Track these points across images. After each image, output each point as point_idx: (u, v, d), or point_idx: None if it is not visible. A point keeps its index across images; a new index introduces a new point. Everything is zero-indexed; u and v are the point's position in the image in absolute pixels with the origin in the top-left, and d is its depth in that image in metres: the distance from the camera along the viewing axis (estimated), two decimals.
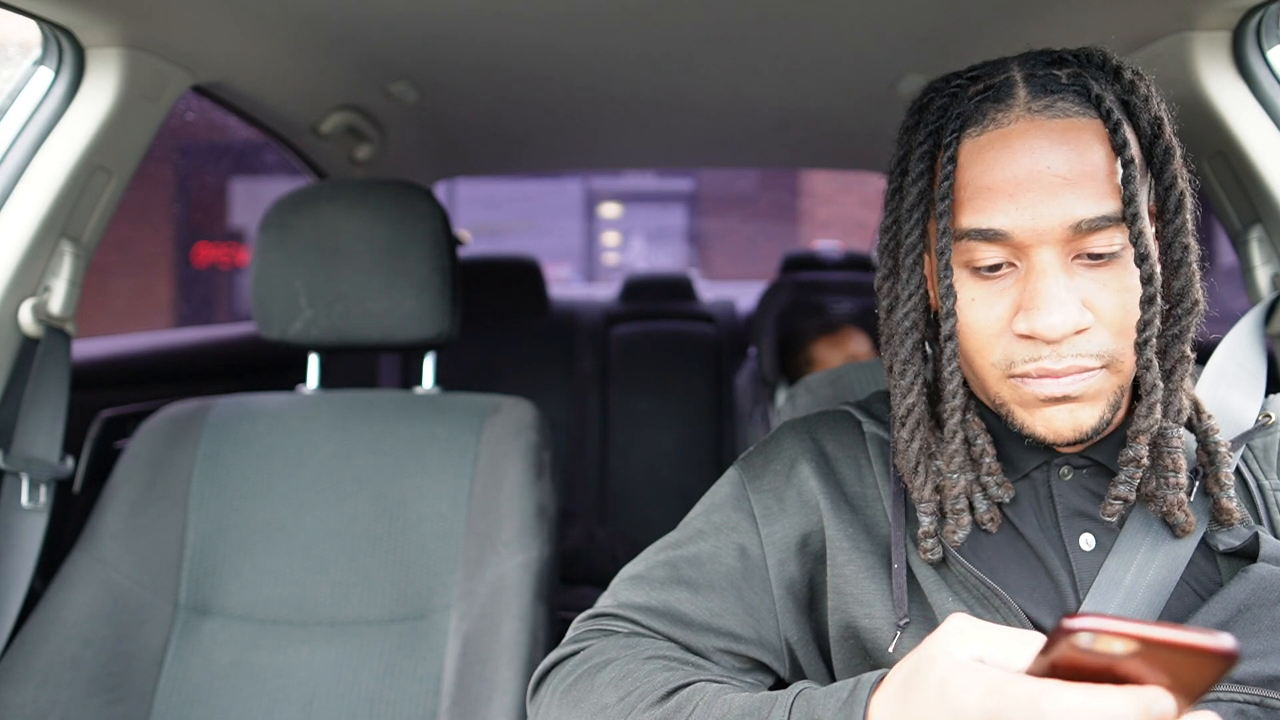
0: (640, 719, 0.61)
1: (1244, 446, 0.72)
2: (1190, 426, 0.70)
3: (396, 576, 1.18)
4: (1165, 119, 0.66)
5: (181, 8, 1.16)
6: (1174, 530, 0.66)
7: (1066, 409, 0.65)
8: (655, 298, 3.22)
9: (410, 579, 1.17)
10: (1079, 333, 0.63)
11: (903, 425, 0.71)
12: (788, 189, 11.75)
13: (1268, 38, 1.09)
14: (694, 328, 2.97)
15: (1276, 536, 0.68)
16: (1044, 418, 0.66)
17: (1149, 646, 0.38)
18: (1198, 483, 0.69)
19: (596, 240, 12.52)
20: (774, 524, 0.76)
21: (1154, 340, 0.63)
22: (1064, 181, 0.62)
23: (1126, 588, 0.65)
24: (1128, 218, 0.62)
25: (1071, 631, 0.39)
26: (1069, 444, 0.67)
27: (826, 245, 3.78)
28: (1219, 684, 0.39)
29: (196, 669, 1.14)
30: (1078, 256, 0.64)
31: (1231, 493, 0.67)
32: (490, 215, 11.27)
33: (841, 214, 10.97)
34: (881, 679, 0.52)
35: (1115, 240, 0.63)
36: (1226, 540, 0.67)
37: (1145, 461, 0.65)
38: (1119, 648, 0.39)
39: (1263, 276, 1.13)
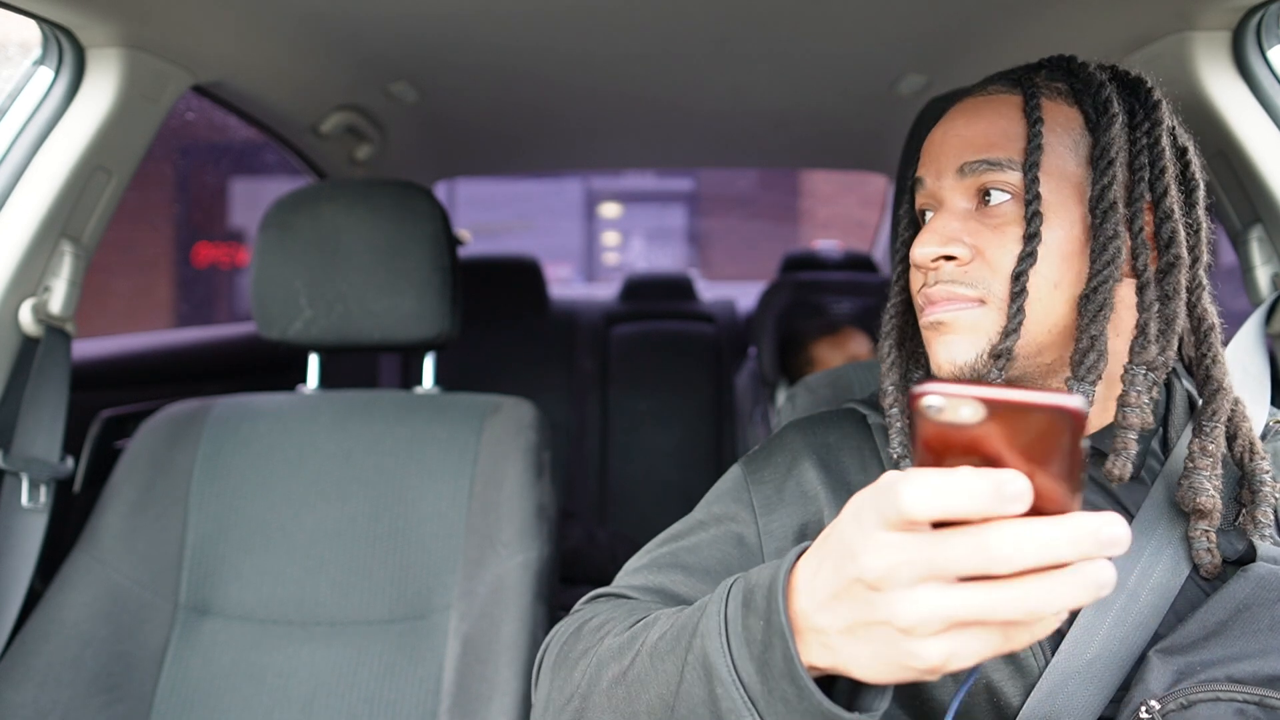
0: (610, 643, 0.63)
1: None
2: (1240, 464, 0.70)
3: (396, 576, 1.18)
4: (1114, 100, 0.71)
5: (181, 8, 1.16)
6: (1199, 570, 0.67)
7: (943, 340, 0.71)
8: (655, 298, 3.22)
9: (410, 579, 1.17)
10: (957, 264, 0.70)
11: (885, 338, 0.80)
12: (788, 189, 11.75)
13: (1268, 38, 1.09)
14: (694, 328, 2.97)
15: None
16: (932, 350, 0.72)
17: (994, 409, 0.40)
18: (1241, 513, 0.69)
19: (596, 240, 12.52)
20: (772, 514, 0.77)
21: (1026, 274, 0.67)
22: (961, 138, 0.73)
23: (1130, 589, 0.66)
24: (1025, 167, 0.68)
25: (920, 395, 0.41)
26: (952, 380, 0.68)
27: (826, 245, 3.77)
28: (1079, 461, 0.40)
29: (196, 669, 1.14)
30: (982, 206, 0.71)
31: (1266, 531, 0.67)
32: (490, 215, 11.27)
33: (841, 214, 10.97)
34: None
35: (1008, 190, 0.69)
36: (1232, 546, 0.67)
37: (999, 375, 0.68)
38: (967, 413, 0.40)
39: (1263, 276, 1.13)
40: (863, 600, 0.44)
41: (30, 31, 1.16)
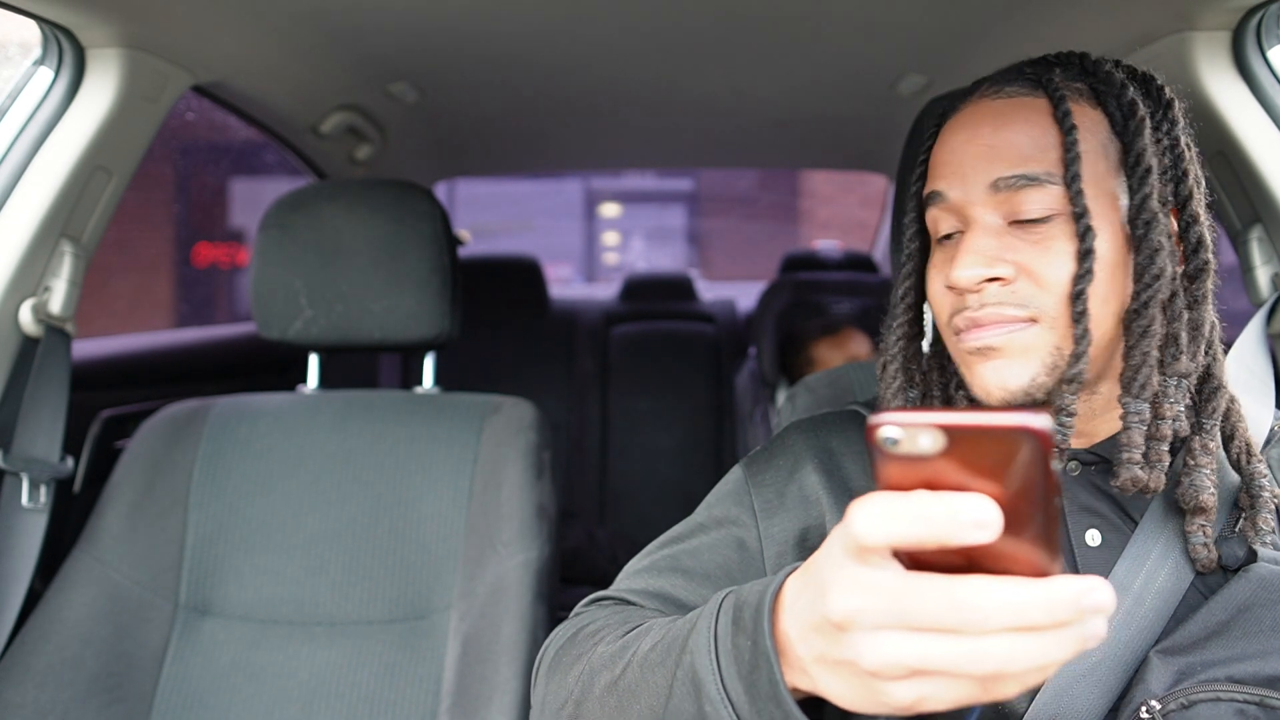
0: (603, 650, 0.63)
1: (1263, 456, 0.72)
2: (1238, 466, 0.69)
3: (396, 576, 1.18)
4: (1138, 102, 0.68)
5: (181, 8, 1.16)
6: (1195, 564, 0.66)
7: (993, 365, 0.67)
8: (655, 298, 3.21)
9: (410, 579, 1.17)
10: (1002, 284, 0.66)
11: (884, 370, 0.76)
12: (788, 189, 11.75)
13: (1268, 38, 1.09)
14: (694, 328, 2.97)
15: None
16: (978, 375, 0.68)
17: (954, 436, 0.37)
18: (1241, 519, 0.68)
19: (596, 240, 12.51)
20: (773, 518, 0.76)
21: (1086, 293, 0.64)
22: (989, 148, 0.68)
23: (1135, 593, 0.65)
24: (1066, 180, 0.65)
25: (876, 427, 0.38)
26: (1003, 406, 0.67)
27: (826, 245, 3.77)
28: (1050, 500, 0.37)
29: (196, 669, 1.14)
30: (1015, 222, 0.67)
31: (1267, 539, 0.66)
32: (490, 215, 11.26)
33: (841, 214, 10.96)
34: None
35: (1051, 204, 0.66)
36: (1233, 553, 0.66)
37: (1074, 410, 0.66)
38: (927, 442, 0.37)
39: (1263, 276, 1.13)
40: (831, 638, 0.43)
41: (30, 31, 1.16)
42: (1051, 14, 1.20)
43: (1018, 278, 0.66)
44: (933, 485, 0.39)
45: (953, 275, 0.67)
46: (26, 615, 1.13)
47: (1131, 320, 0.66)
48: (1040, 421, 0.36)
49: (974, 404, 0.71)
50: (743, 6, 1.27)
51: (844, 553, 0.42)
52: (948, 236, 0.71)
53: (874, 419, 0.38)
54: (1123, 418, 0.66)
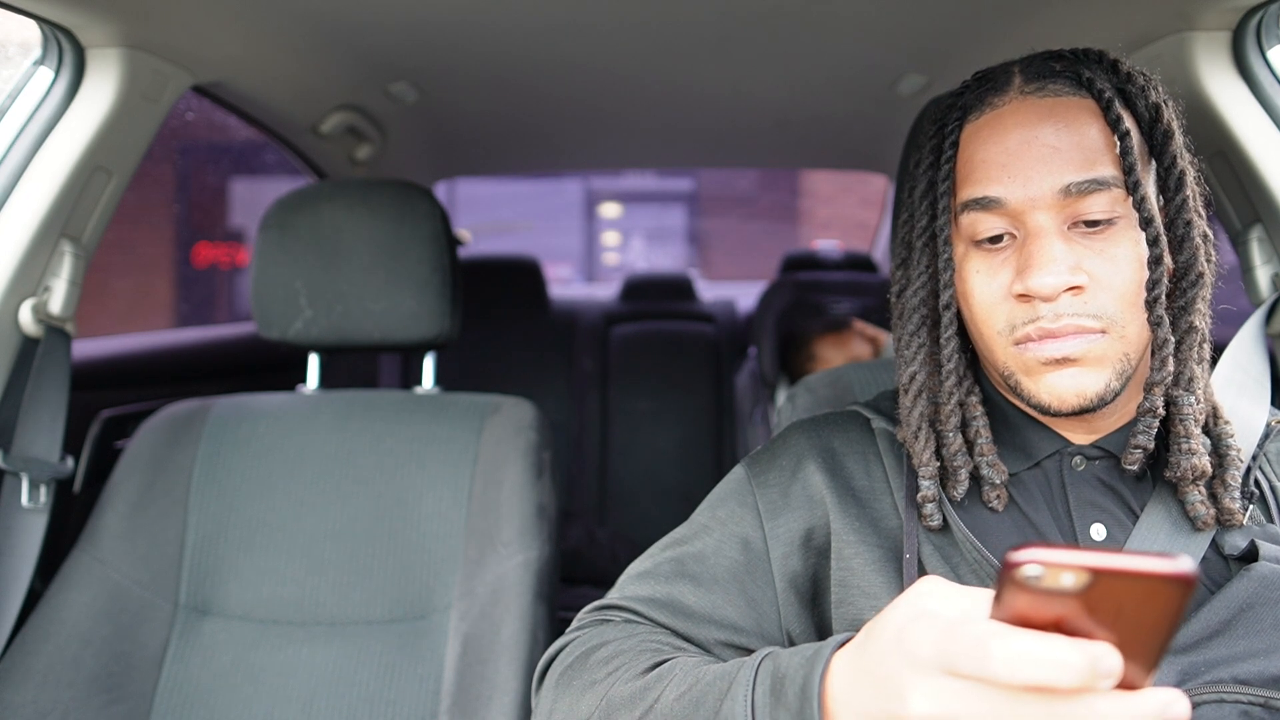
0: (622, 689, 0.63)
1: (1260, 452, 0.72)
2: (1206, 430, 0.70)
3: (396, 576, 1.18)
4: (1163, 105, 0.68)
5: (181, 8, 1.16)
6: (1194, 523, 0.67)
7: (1069, 374, 0.66)
8: (655, 298, 3.21)
9: (410, 579, 1.17)
10: (1075, 293, 0.65)
11: (905, 393, 0.74)
12: (788, 189, 11.75)
13: (1268, 38, 1.09)
14: (694, 328, 2.97)
15: None
16: (1047, 384, 0.67)
17: (1100, 578, 0.37)
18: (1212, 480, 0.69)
19: (596, 240, 12.51)
20: (778, 518, 0.76)
21: (1163, 299, 0.65)
22: (1053, 150, 0.66)
23: None
24: (1129, 185, 0.65)
25: (1018, 564, 0.37)
26: (1074, 412, 0.67)
27: (826, 245, 3.78)
28: (1173, 632, 0.37)
29: (196, 669, 1.14)
30: (1074, 225, 0.66)
31: (1236, 494, 0.67)
32: (490, 215, 11.26)
33: (841, 214, 10.96)
34: (850, 639, 0.52)
35: (1112, 208, 0.66)
36: (1234, 543, 0.67)
37: (1161, 412, 0.66)
38: (1069, 581, 0.37)
39: (1263, 276, 1.13)
40: None
41: (30, 31, 1.16)
42: (1052, 14, 1.20)
43: (1090, 285, 0.65)
44: (1064, 618, 0.38)
45: (1031, 284, 0.65)
46: (26, 615, 1.13)
47: (1177, 317, 0.67)
48: (1188, 567, 0.36)
49: (1044, 411, 0.69)
50: (743, 6, 1.27)
51: (942, 666, 0.41)
52: (992, 240, 0.69)
53: (1015, 555, 0.38)
54: (1175, 410, 0.67)
